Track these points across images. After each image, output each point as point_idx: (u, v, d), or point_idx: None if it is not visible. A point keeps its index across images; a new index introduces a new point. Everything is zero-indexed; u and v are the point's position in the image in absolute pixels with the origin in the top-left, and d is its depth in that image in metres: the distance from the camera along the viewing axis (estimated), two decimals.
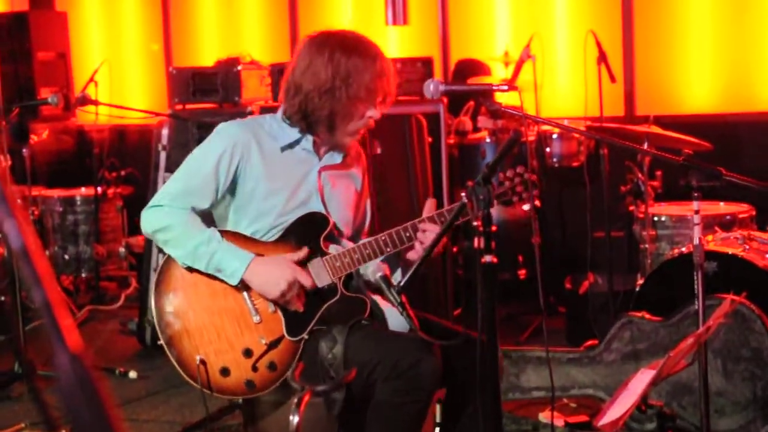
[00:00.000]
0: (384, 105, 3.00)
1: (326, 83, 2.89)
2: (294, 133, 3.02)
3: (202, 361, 2.87)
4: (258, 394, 2.92)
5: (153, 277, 4.98)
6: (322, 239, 2.98)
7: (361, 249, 2.95)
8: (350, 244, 3.06)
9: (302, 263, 2.94)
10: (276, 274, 2.86)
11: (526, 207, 3.01)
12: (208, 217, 3.02)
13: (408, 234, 2.96)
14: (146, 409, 4.47)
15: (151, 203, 2.95)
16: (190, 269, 2.91)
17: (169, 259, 2.95)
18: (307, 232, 2.98)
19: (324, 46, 2.93)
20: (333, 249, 3.00)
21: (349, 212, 3.14)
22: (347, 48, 2.92)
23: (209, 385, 2.89)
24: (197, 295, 2.93)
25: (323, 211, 3.01)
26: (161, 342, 2.93)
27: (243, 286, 2.90)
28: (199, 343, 2.90)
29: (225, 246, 2.88)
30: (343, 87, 2.88)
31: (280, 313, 2.92)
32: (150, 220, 2.93)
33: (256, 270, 2.87)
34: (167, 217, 2.90)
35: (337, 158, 3.08)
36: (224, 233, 2.94)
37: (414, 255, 2.97)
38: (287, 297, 2.88)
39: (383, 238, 2.95)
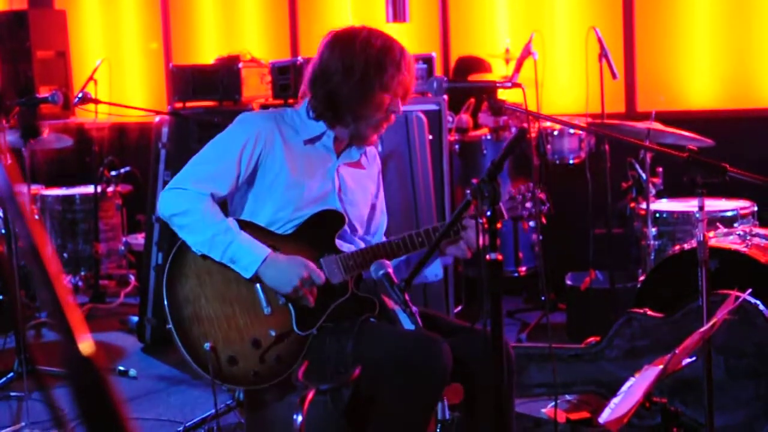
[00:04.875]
0: (404, 101, 3.00)
1: (358, 71, 2.89)
2: (317, 128, 3.02)
3: (212, 349, 2.86)
4: (262, 386, 2.91)
5: (153, 269, 4.94)
6: (336, 237, 2.98)
7: (375, 250, 2.95)
8: (361, 243, 3.06)
9: (316, 259, 2.94)
10: (290, 270, 2.86)
11: (531, 223, 3.05)
12: (222, 207, 3.00)
13: (420, 239, 2.96)
14: (146, 408, 4.45)
15: (171, 185, 2.92)
16: (204, 257, 2.90)
17: (184, 243, 2.93)
18: (322, 229, 2.98)
19: (354, 38, 2.94)
20: (345, 247, 3.01)
21: (363, 211, 3.15)
22: (377, 40, 2.93)
23: (215, 373, 2.86)
24: (211, 281, 2.92)
25: (339, 209, 3.02)
26: (169, 326, 2.90)
27: (255, 279, 2.90)
28: (208, 330, 2.89)
29: (242, 237, 2.88)
30: (376, 75, 2.89)
31: (290, 306, 2.92)
32: (169, 202, 2.91)
33: (271, 265, 2.86)
34: (187, 202, 2.88)
35: (354, 155, 3.09)
36: (241, 223, 2.93)
37: (458, 252, 2.99)
38: (299, 293, 2.88)
39: (396, 241, 2.97)
